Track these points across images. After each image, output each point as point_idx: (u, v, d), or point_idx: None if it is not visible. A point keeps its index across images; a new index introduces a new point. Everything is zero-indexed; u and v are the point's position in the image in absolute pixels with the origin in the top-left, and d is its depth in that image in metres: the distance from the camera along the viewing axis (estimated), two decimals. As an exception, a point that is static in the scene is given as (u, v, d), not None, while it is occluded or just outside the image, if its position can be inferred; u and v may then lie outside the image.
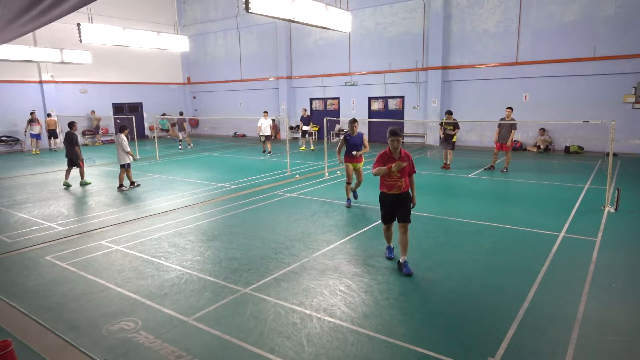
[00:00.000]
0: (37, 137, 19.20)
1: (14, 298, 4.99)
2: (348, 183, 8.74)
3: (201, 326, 4.24)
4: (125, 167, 10.73)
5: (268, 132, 17.27)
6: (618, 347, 3.80)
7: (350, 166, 8.71)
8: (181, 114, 22.29)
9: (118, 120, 22.91)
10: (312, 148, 18.23)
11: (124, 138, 10.60)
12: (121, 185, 10.77)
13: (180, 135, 20.62)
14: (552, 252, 6.00)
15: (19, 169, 14.81)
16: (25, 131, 19.16)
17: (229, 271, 5.60)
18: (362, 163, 8.90)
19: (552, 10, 15.70)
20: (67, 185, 11.29)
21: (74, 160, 11.26)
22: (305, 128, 18.63)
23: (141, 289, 5.11)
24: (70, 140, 11.13)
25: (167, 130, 23.85)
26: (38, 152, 19.19)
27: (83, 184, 11.39)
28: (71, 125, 11.24)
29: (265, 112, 17.71)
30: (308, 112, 19.51)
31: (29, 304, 4.82)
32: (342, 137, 8.74)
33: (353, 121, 8.57)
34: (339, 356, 3.72)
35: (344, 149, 8.67)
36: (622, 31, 14.55)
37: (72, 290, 5.16)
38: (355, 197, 9.03)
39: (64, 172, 11.54)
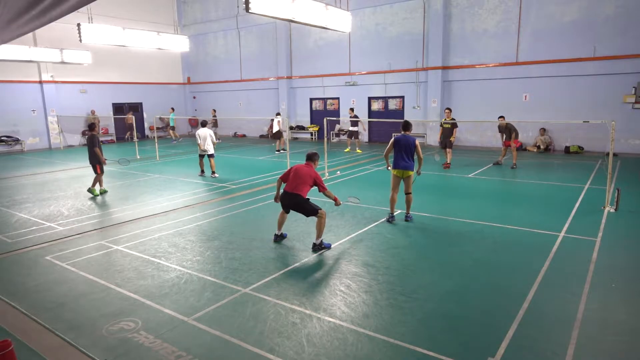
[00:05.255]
0: None
1: (14, 298, 4.99)
2: (392, 194, 7.59)
3: (201, 326, 4.24)
4: (210, 157, 12.27)
5: (277, 129, 17.64)
6: (618, 347, 3.80)
7: (395, 173, 7.50)
8: (214, 111, 23.83)
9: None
10: (358, 150, 17.35)
11: (211, 131, 12.42)
12: (213, 172, 12.26)
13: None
14: (552, 252, 6.00)
15: (19, 169, 14.81)
16: None
17: (229, 271, 5.60)
18: (415, 172, 7.48)
19: (552, 10, 15.70)
20: (95, 194, 10.13)
21: (95, 165, 10.11)
22: (353, 128, 17.42)
23: (141, 289, 5.11)
24: (91, 143, 10.03)
25: (173, 127, 23.63)
26: None
27: (97, 192, 10.21)
28: (92, 126, 10.23)
29: (278, 113, 18.64)
30: (355, 112, 18.45)
31: (29, 304, 4.82)
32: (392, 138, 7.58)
33: (405, 124, 7.50)
34: (339, 356, 3.72)
35: (391, 153, 7.54)
36: (622, 31, 14.55)
37: (72, 290, 5.16)
38: (407, 218, 7.65)
39: (92, 180, 10.33)
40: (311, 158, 6.61)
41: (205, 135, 12.20)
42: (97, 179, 10.20)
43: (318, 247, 6.28)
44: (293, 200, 6.32)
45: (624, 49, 14.59)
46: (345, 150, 17.58)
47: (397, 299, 4.73)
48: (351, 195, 7.51)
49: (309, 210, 6.30)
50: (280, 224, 6.75)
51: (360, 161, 14.86)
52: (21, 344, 3.98)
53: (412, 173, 7.46)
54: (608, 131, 8.83)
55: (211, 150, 12.25)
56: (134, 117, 22.69)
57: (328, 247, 6.37)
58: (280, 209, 6.68)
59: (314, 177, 6.37)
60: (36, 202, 9.74)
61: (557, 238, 6.56)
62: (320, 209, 6.30)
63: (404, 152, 7.36)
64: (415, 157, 7.49)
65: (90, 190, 10.17)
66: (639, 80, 14.51)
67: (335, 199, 6.52)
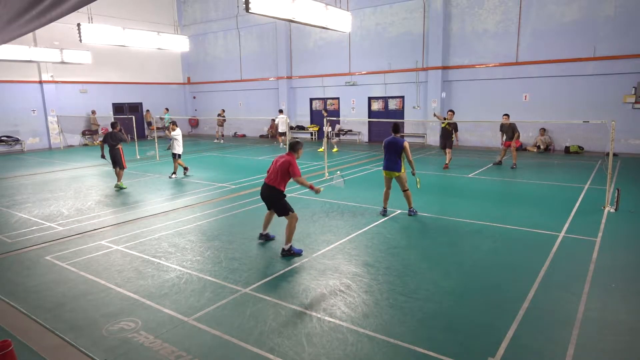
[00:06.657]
0: None
1: (14, 298, 4.99)
2: (385, 191, 7.95)
3: (201, 326, 4.24)
4: (176, 157, 12.25)
5: (283, 129, 18.14)
6: (618, 347, 3.80)
7: (384, 174, 7.82)
8: (223, 111, 23.83)
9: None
10: (322, 149, 17.83)
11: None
12: (175, 173, 12.32)
13: (220, 131, 22.92)
14: (552, 252, 6.00)
15: (19, 169, 14.81)
16: None
17: (229, 271, 5.60)
18: (404, 171, 7.69)
19: (552, 10, 15.70)
20: (124, 187, 10.96)
21: (117, 161, 10.84)
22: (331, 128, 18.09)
23: (141, 289, 5.11)
24: (116, 140, 10.86)
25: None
26: None
27: (118, 187, 10.91)
28: (114, 125, 11.01)
29: (280, 110, 19.64)
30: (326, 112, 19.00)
31: (29, 304, 4.82)
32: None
33: (394, 126, 7.70)
34: (339, 356, 3.72)
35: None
36: (622, 31, 14.55)
37: (72, 290, 5.16)
38: (411, 213, 7.88)
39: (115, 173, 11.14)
40: (293, 147, 6.21)
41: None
42: (120, 174, 10.97)
43: (287, 253, 5.98)
44: (268, 192, 6.09)
45: (623, 49, 14.59)
46: (334, 150, 17.69)
47: (397, 299, 4.73)
48: (343, 177, 7.56)
49: (280, 208, 6.05)
50: (266, 223, 6.61)
51: (360, 161, 14.85)
52: (21, 344, 3.98)
53: (400, 174, 7.67)
54: (608, 131, 8.84)
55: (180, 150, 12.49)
56: (151, 113, 24.50)
57: (299, 253, 6.05)
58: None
59: (288, 165, 5.96)
60: (36, 202, 9.74)
61: (557, 238, 6.56)
62: (292, 212, 6.03)
63: (391, 155, 7.60)
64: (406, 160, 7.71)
65: (117, 186, 10.98)
66: (639, 80, 14.52)
67: (311, 187, 6.06)
